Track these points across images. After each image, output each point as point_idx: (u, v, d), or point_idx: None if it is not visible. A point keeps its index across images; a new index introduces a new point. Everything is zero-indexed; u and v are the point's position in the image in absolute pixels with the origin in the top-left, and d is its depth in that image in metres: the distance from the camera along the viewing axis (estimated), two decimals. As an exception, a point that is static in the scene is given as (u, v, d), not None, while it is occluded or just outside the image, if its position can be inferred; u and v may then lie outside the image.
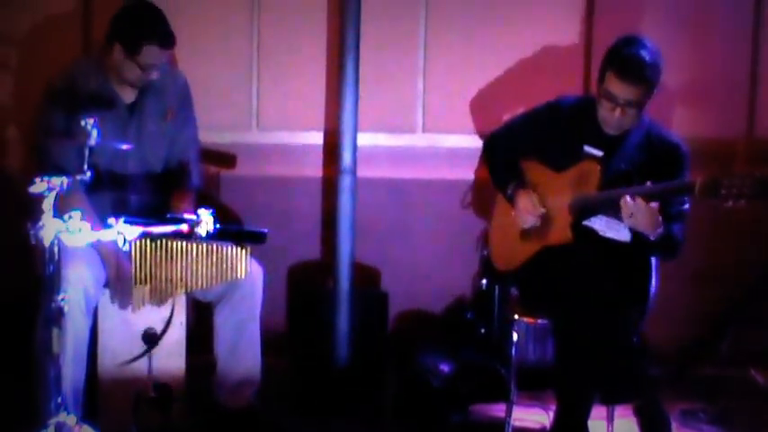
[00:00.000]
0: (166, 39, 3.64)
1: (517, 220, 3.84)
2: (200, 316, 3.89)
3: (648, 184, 3.57)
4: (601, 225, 3.74)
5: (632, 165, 3.70)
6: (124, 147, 3.47)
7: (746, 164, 4.57)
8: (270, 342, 3.89)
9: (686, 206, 3.68)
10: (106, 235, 3.00)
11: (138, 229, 3.05)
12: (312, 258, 4.53)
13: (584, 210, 3.73)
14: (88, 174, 3.02)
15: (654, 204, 3.50)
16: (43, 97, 3.70)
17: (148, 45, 3.61)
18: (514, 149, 3.91)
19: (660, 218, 3.52)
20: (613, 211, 3.61)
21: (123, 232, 3.02)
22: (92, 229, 2.96)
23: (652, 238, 3.56)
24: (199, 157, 3.96)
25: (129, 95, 3.76)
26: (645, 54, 3.60)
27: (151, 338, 3.63)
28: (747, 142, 4.64)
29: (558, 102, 3.90)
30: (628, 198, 3.50)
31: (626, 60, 3.60)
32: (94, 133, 3.05)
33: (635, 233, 3.62)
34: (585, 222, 3.74)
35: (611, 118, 3.68)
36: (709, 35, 4.56)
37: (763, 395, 4.25)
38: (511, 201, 3.85)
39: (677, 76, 4.20)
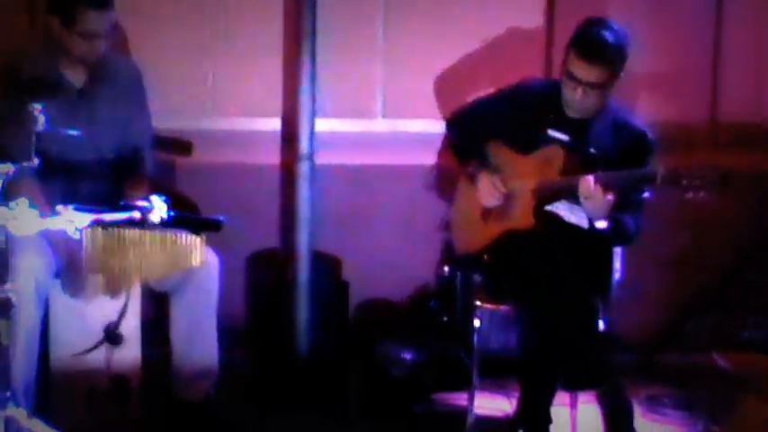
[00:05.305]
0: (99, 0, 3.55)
1: (479, 199, 3.80)
2: (158, 306, 3.81)
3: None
4: (564, 210, 3.72)
5: (598, 149, 3.67)
6: (73, 133, 3.38)
7: (709, 148, 4.57)
8: (229, 333, 3.83)
9: (645, 194, 3.65)
10: (55, 223, 2.92)
11: (89, 217, 2.96)
12: (271, 247, 4.47)
13: (547, 194, 3.70)
14: (36, 161, 2.94)
15: (609, 197, 3.47)
16: (-13, 84, 3.63)
17: (82, 10, 3.53)
18: (479, 129, 3.87)
19: (607, 212, 3.49)
20: (575, 196, 3.58)
21: (73, 220, 2.94)
22: (40, 216, 2.88)
23: (596, 227, 3.54)
24: (153, 145, 3.89)
25: (78, 79, 3.68)
26: (609, 36, 3.59)
27: (114, 336, 3.57)
28: (710, 126, 4.63)
29: (523, 84, 3.88)
30: (591, 178, 3.47)
31: (589, 41, 3.58)
32: (41, 119, 2.97)
33: (589, 219, 3.59)
34: (549, 207, 3.72)
35: (573, 99, 3.65)
36: (672, 20, 4.55)
37: (726, 380, 4.24)
38: (473, 179, 3.80)
39: (640, 60, 4.17)
